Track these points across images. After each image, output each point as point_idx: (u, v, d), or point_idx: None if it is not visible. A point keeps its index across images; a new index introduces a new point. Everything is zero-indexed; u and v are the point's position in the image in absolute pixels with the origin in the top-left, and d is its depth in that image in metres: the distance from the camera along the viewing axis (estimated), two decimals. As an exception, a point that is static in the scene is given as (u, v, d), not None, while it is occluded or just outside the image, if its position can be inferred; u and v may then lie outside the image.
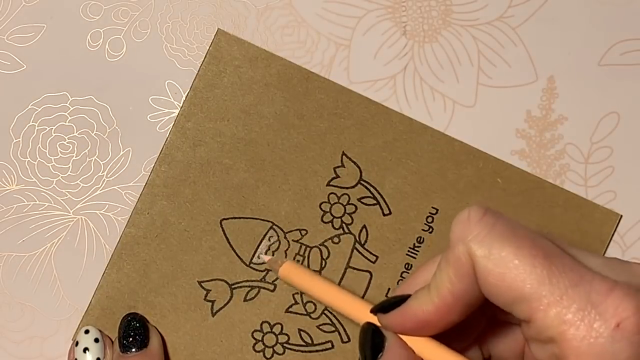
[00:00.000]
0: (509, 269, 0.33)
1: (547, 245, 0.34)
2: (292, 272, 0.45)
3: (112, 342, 0.46)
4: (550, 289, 0.32)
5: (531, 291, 0.33)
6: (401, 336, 0.38)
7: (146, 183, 0.47)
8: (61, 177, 0.48)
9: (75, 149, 0.48)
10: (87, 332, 0.46)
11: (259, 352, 0.47)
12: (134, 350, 0.45)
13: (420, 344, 0.37)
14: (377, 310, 0.39)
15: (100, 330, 0.46)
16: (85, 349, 0.45)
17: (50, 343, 0.48)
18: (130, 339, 0.45)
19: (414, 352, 0.37)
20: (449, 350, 0.37)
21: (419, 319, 0.37)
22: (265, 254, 0.47)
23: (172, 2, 0.48)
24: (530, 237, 0.34)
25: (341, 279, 0.48)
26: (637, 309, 0.31)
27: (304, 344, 0.47)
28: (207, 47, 0.48)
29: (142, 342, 0.45)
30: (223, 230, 0.47)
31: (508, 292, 0.33)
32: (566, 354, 0.32)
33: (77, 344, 0.45)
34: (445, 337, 0.39)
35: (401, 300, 0.38)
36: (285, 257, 0.48)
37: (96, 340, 0.45)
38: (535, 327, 0.33)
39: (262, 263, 0.48)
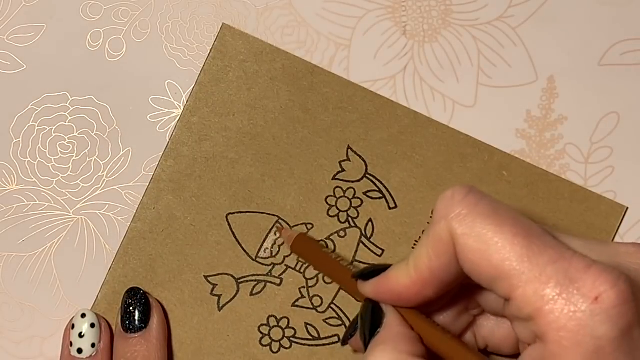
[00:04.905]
0: (489, 246, 0.33)
1: (529, 224, 0.34)
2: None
3: (110, 326, 0.46)
4: (529, 267, 0.32)
5: (510, 268, 0.33)
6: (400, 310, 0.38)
7: (152, 178, 0.47)
8: (61, 177, 0.48)
9: (75, 149, 0.48)
10: (83, 315, 0.45)
11: (265, 346, 0.47)
12: (136, 324, 0.44)
13: (411, 316, 0.38)
14: (358, 276, 0.40)
15: (97, 315, 0.45)
16: (81, 334, 0.45)
17: (50, 343, 0.48)
18: (131, 318, 0.45)
19: (412, 330, 0.38)
20: (440, 329, 0.37)
21: (394, 290, 0.37)
22: (272, 248, 0.47)
23: (172, 2, 0.48)
24: (512, 216, 0.34)
25: None
26: (614, 283, 0.31)
27: (310, 337, 0.47)
28: (207, 47, 0.48)
29: (144, 322, 0.45)
30: (229, 225, 0.47)
31: (488, 269, 0.33)
32: (545, 330, 0.32)
33: (73, 326, 0.45)
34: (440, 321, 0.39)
35: (382, 269, 0.38)
36: (290, 253, 0.48)
37: (92, 325, 0.45)
38: (515, 304, 0.33)
39: (268, 257, 0.48)
